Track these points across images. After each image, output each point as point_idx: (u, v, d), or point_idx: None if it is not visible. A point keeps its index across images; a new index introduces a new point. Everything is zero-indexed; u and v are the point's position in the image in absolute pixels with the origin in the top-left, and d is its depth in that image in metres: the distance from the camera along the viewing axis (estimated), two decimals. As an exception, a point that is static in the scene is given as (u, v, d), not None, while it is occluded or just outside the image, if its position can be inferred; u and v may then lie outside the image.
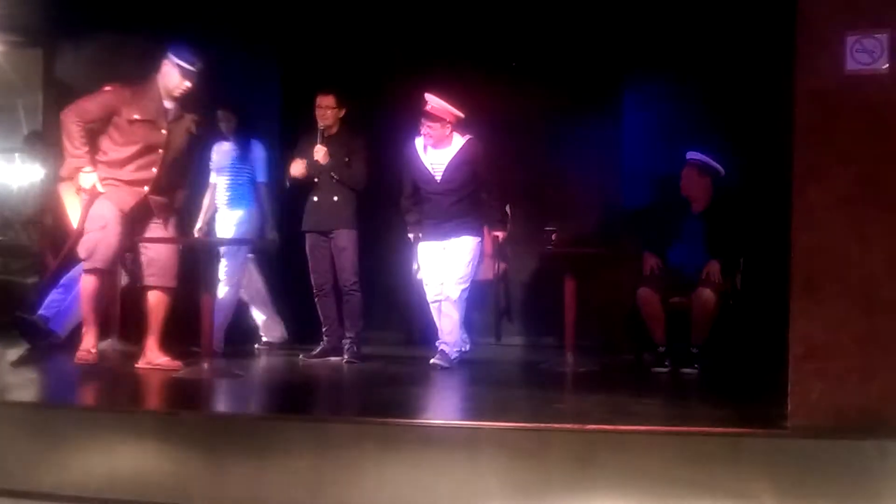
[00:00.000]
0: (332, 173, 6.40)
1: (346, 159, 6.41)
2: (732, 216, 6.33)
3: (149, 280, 5.86)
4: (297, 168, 6.43)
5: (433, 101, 6.16)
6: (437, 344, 6.30)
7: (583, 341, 6.43)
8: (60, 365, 6.34)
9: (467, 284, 6.25)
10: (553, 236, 6.38)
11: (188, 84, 5.81)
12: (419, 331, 7.43)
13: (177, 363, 5.82)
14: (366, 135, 6.60)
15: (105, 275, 5.83)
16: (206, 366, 5.63)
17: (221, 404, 5.30)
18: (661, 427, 4.28)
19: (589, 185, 7.44)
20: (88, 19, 7.37)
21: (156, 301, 5.87)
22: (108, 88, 5.81)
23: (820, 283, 4.08)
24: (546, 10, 7.32)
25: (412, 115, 6.38)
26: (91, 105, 5.77)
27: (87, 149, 5.73)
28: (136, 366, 5.85)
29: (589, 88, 7.41)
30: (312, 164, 6.41)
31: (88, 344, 5.84)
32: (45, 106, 7.80)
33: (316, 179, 6.48)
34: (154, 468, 4.26)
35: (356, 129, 6.58)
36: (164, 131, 5.84)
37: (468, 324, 6.60)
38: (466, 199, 6.26)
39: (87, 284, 5.82)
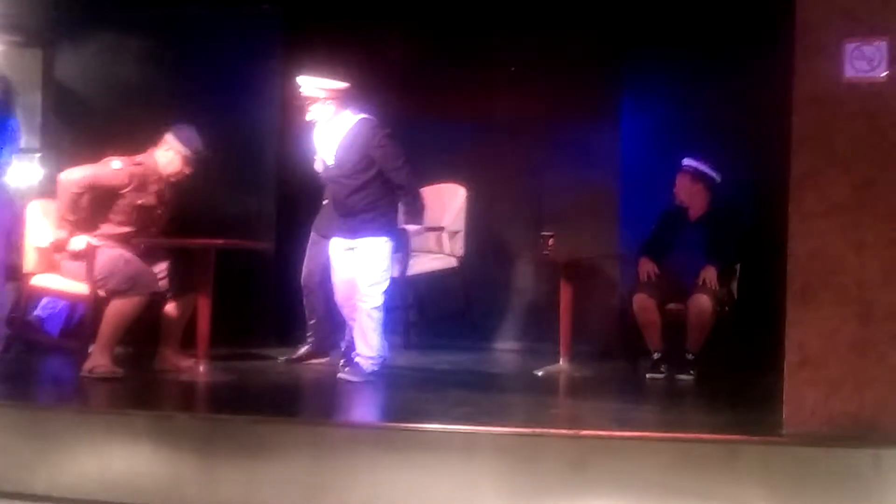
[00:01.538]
0: None
1: None
2: (729, 223, 6.32)
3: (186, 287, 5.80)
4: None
5: (305, 81, 5.66)
6: (352, 356, 5.77)
7: (579, 347, 6.42)
8: (54, 366, 6.33)
9: (382, 292, 5.67)
10: (549, 241, 6.36)
11: (188, 171, 5.77)
12: (415, 335, 7.42)
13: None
14: None
15: (148, 299, 5.61)
16: (200, 368, 5.63)
17: (215, 406, 5.29)
18: (656, 433, 4.28)
19: (586, 191, 7.43)
20: (88, 19, 7.38)
21: (187, 306, 5.82)
22: (116, 166, 5.66)
23: (815, 290, 4.07)
24: (544, 12, 7.32)
25: (409, 118, 6.37)
26: (98, 180, 5.61)
27: (80, 217, 5.63)
28: (157, 367, 5.81)
29: (587, 93, 7.39)
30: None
31: (107, 360, 5.53)
32: (44, 106, 7.79)
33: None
34: (147, 470, 4.26)
35: None
36: (159, 212, 5.84)
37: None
38: (365, 190, 5.65)
39: (127, 309, 5.53)
